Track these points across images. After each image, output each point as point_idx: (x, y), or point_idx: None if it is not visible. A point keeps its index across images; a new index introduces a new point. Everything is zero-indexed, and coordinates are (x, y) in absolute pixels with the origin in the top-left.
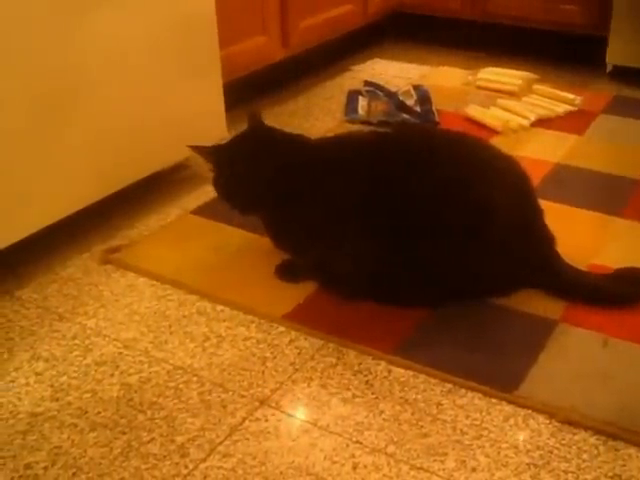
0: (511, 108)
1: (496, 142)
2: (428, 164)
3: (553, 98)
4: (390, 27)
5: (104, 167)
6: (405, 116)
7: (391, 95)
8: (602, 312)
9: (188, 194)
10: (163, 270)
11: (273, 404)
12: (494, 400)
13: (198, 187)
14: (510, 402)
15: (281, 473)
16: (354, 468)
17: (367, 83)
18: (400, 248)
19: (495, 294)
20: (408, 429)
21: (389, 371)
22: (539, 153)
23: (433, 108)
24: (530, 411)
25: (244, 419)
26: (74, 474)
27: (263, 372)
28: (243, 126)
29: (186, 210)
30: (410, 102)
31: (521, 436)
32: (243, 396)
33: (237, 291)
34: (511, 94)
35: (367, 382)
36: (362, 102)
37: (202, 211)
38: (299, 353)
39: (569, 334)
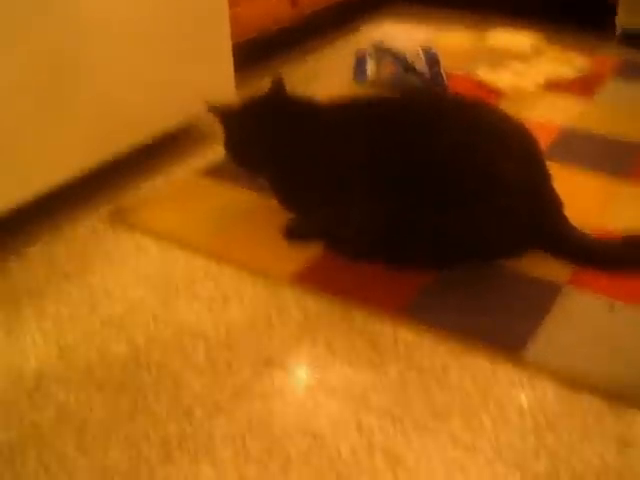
0: (520, 71)
1: (504, 105)
2: (435, 128)
3: (562, 61)
4: None
5: (112, 128)
6: (414, 78)
7: (400, 57)
8: (609, 277)
9: (195, 155)
10: (170, 230)
11: (279, 364)
12: (500, 362)
13: (205, 148)
14: (515, 364)
15: (286, 434)
16: (359, 429)
17: (376, 45)
18: (407, 211)
19: (502, 257)
20: (413, 390)
21: (395, 332)
22: (547, 116)
23: (442, 71)
24: (535, 374)
25: (249, 379)
26: (80, 431)
27: (269, 333)
28: (251, 87)
29: (193, 171)
30: (419, 65)
31: (526, 398)
32: (249, 356)
33: (244, 252)
34: (520, 57)
35: (373, 343)
36: (370, 64)
37: (209, 172)
38: (305, 314)
39: (576, 298)
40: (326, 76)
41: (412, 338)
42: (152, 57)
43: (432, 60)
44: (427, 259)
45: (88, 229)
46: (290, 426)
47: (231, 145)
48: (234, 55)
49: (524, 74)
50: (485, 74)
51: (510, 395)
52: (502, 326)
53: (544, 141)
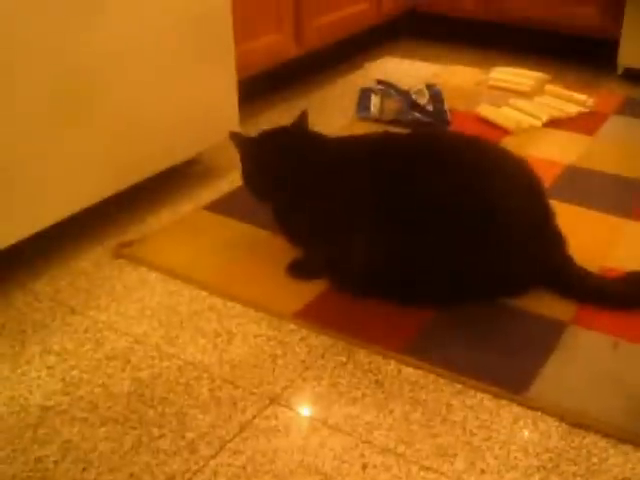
0: (523, 108)
1: (507, 142)
2: (439, 166)
3: (565, 99)
4: (404, 26)
5: (118, 162)
6: (417, 115)
7: (404, 94)
8: (613, 315)
9: (200, 189)
10: (175, 265)
11: (283, 402)
12: (504, 401)
13: (211, 182)
14: (520, 404)
15: (290, 471)
16: (363, 468)
17: (380, 81)
18: (411, 248)
19: (506, 295)
20: (418, 429)
21: (399, 370)
22: (550, 154)
23: (445, 107)
24: (540, 413)
25: (254, 416)
26: (84, 469)
27: (273, 370)
28: (255, 122)
29: (198, 205)
30: (423, 101)
31: (530, 438)
32: (253, 393)
33: (248, 288)
34: (523, 94)
35: (377, 381)
36: (374, 100)
37: (214, 206)
38: (309, 351)
39: (580, 336)
40: (330, 111)
41: (416, 376)
42: (158, 93)
43: (436, 97)
44: (431, 296)
45: (93, 263)
46: (294, 464)
47: (245, 172)
48: (239, 91)
49: (527, 111)
50: (488, 111)
51: (514, 434)
52: (506, 364)
53: (547, 179)
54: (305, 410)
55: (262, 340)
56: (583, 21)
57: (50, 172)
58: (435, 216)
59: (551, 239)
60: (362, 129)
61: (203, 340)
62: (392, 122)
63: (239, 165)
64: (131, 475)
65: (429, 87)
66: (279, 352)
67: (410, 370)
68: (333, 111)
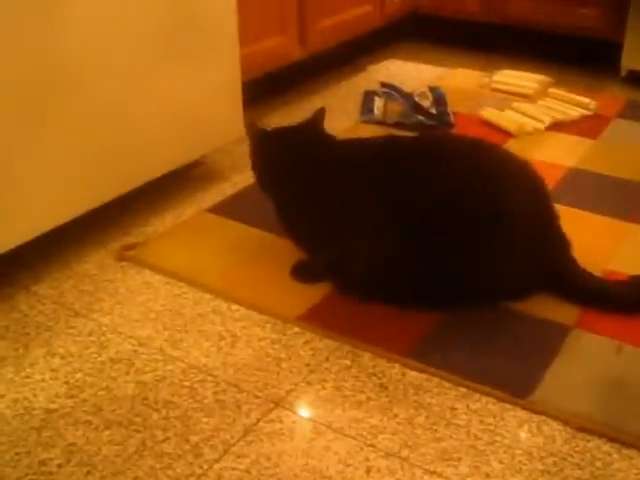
0: (526, 111)
1: (510, 145)
2: (442, 169)
3: (568, 102)
4: (407, 28)
5: (121, 165)
6: (420, 118)
7: (407, 96)
8: (616, 318)
9: (204, 192)
10: (178, 268)
11: (287, 405)
12: (508, 405)
13: (214, 185)
14: (524, 408)
15: (295, 475)
16: (368, 472)
17: (383, 84)
18: (415, 252)
19: (510, 298)
20: (422, 433)
21: (403, 374)
22: (553, 157)
23: (448, 110)
24: (544, 417)
25: (258, 420)
26: (88, 472)
27: (278, 373)
28: (260, 125)
29: (202, 208)
30: (426, 104)
31: (535, 442)
32: (257, 397)
33: (252, 291)
34: (526, 97)
35: (381, 385)
36: (378, 103)
37: (217, 209)
38: (314, 354)
39: (583, 340)
40: (333, 114)
41: (420, 380)
42: (161, 95)
43: (439, 99)
44: (435, 300)
45: (96, 265)
46: (299, 467)
47: (254, 164)
48: (243, 92)
49: (530, 114)
50: (491, 114)
51: (518, 438)
52: (510, 368)
53: (550, 182)
54: (309, 413)
55: (266, 343)
56: (586, 24)
57: (53, 175)
58: (439, 219)
59: (555, 242)
60: (366, 132)
61: (207, 343)
62: (395, 125)
63: (244, 164)
64: (135, 479)
65: (432, 90)
66: (283, 355)
67: (414, 374)
68: (336, 113)
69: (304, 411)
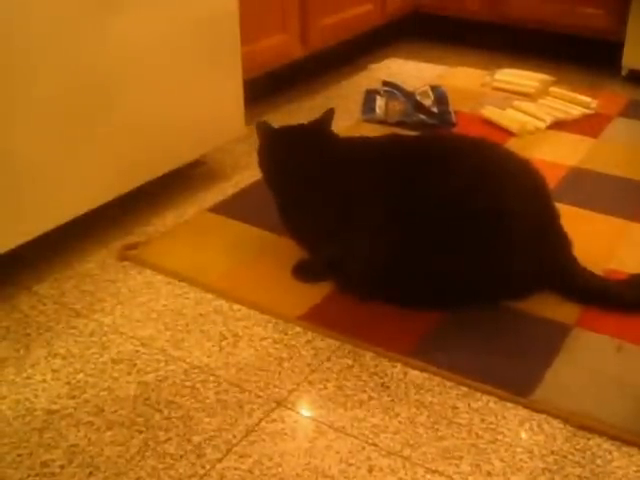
0: (527, 110)
1: (512, 144)
2: (444, 168)
3: (569, 101)
4: (408, 27)
5: (122, 164)
6: (422, 117)
7: (408, 95)
8: (616, 317)
9: (205, 191)
10: (180, 268)
11: (289, 405)
12: (509, 404)
13: (215, 184)
14: (525, 406)
15: (297, 475)
16: (370, 471)
17: (385, 83)
18: (415, 251)
19: (511, 297)
20: (423, 432)
21: (405, 373)
22: (555, 156)
23: (450, 109)
24: (545, 416)
25: (260, 420)
26: (90, 473)
27: (280, 372)
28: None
29: (203, 207)
30: (427, 102)
31: (536, 440)
32: (259, 396)
33: (254, 290)
34: (527, 96)
35: (383, 384)
36: (379, 102)
37: (219, 209)
38: (315, 354)
39: (583, 338)
40: (335, 113)
41: (422, 379)
42: (162, 94)
43: (441, 98)
44: (436, 299)
45: (98, 265)
46: (301, 467)
47: (263, 162)
48: (244, 91)
49: (531, 113)
50: (493, 113)
51: (520, 437)
52: (511, 367)
53: (551, 181)
54: (311, 413)
55: (268, 343)
56: (587, 22)
57: (54, 174)
58: (441, 218)
59: (556, 241)
60: (367, 131)
61: (209, 343)
62: (397, 124)
63: (246, 163)
64: (137, 479)
65: (434, 89)
66: (285, 355)
67: (416, 373)
68: (338, 112)
69: (306, 411)
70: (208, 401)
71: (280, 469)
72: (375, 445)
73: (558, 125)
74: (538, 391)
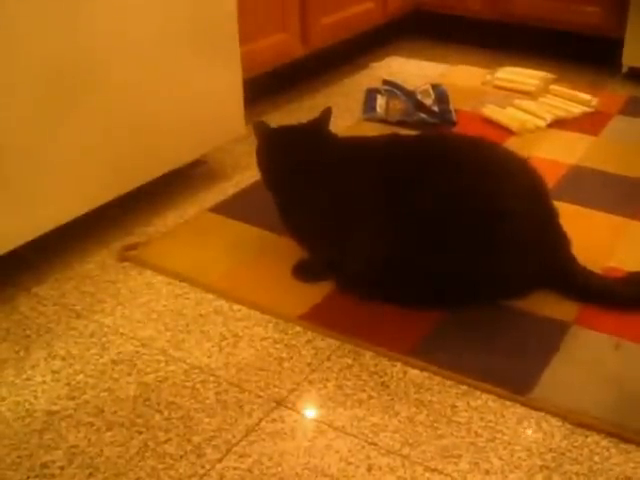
0: (527, 108)
1: (512, 142)
2: (443, 169)
3: (569, 99)
4: (409, 25)
5: (122, 164)
6: (423, 116)
7: (409, 94)
8: (615, 315)
9: (205, 191)
10: (180, 268)
11: (289, 405)
12: (508, 402)
13: (215, 184)
14: (523, 404)
15: (297, 474)
16: (369, 470)
17: (386, 82)
18: (414, 250)
19: (510, 296)
20: (423, 431)
21: (405, 372)
22: (555, 154)
23: (451, 107)
24: (543, 414)
25: (260, 419)
26: (90, 474)
27: (280, 372)
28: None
29: (203, 207)
30: (428, 101)
31: (534, 438)
32: (260, 396)
33: (254, 290)
34: (528, 94)
35: (383, 383)
36: (380, 101)
37: (219, 209)
38: (316, 354)
39: (582, 337)
40: (336, 111)
41: (422, 378)
42: (162, 94)
43: (441, 97)
44: (436, 300)
45: (98, 266)
46: (301, 466)
47: (262, 162)
48: (244, 90)
49: (532, 112)
50: (493, 111)
51: (518, 435)
52: (510, 366)
53: (551, 179)
54: (311, 413)
55: (268, 343)
56: (588, 20)
57: (54, 175)
58: (441, 218)
59: (554, 240)
60: (368, 130)
61: (209, 343)
62: (398, 123)
63: (246, 163)
64: (138, 479)
65: (435, 87)
66: (285, 355)
67: (415, 372)
68: (339, 111)
69: (306, 410)
70: (208, 401)
71: (280, 468)
72: (374, 444)
73: (558, 123)
74: (537, 389)
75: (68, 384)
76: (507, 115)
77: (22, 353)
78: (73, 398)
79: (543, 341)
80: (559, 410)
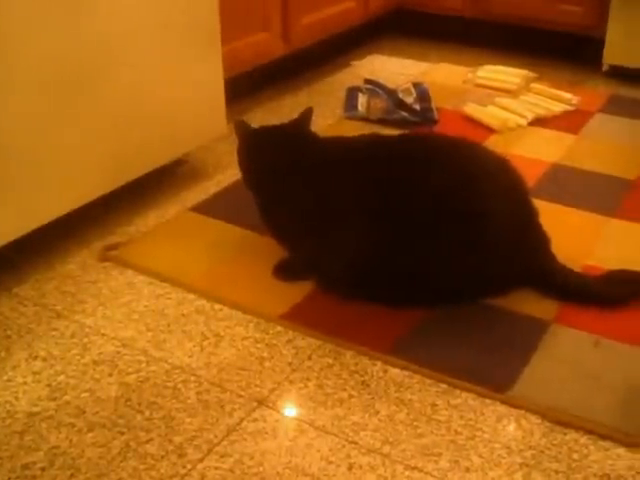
0: (508, 107)
1: (493, 141)
2: (423, 169)
3: (550, 97)
4: (391, 23)
5: (104, 164)
6: (404, 114)
7: (390, 93)
8: (594, 313)
9: (187, 190)
10: (162, 268)
11: (270, 404)
12: (487, 400)
13: (197, 183)
14: (503, 402)
15: (278, 473)
16: (350, 468)
17: (367, 81)
18: (398, 250)
19: (489, 295)
20: (403, 429)
21: (385, 371)
22: (535, 152)
23: (432, 106)
24: (523, 411)
25: (242, 419)
26: (72, 475)
27: (261, 372)
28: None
29: (185, 207)
30: (409, 100)
31: (514, 436)
32: (241, 396)
33: (235, 290)
34: (509, 92)
35: (363, 382)
36: (361, 99)
37: (201, 208)
38: (296, 353)
39: (561, 334)
40: (317, 110)
41: (402, 377)
42: (143, 93)
43: (423, 95)
44: (416, 298)
45: (79, 266)
46: (282, 466)
47: (242, 162)
48: (226, 89)
49: (513, 110)
50: (474, 110)
51: (498, 433)
52: (490, 364)
53: (531, 177)
54: (292, 412)
55: (249, 342)
56: (568, 18)
57: (36, 175)
58: (421, 218)
59: (534, 239)
60: (349, 128)
61: (190, 343)
62: (379, 121)
63: (227, 162)
64: None
65: (416, 85)
66: (266, 354)
67: (396, 371)
68: (320, 110)
69: (287, 410)
70: (189, 401)
71: (261, 468)
72: (355, 443)
73: (539, 122)
74: (516, 387)
75: (49, 385)
76: (488, 113)
77: (3, 354)
78: (54, 399)
79: (523, 339)
80: (538, 408)
